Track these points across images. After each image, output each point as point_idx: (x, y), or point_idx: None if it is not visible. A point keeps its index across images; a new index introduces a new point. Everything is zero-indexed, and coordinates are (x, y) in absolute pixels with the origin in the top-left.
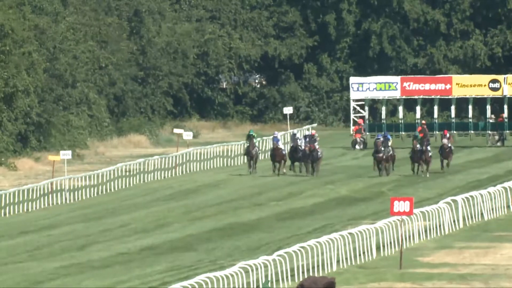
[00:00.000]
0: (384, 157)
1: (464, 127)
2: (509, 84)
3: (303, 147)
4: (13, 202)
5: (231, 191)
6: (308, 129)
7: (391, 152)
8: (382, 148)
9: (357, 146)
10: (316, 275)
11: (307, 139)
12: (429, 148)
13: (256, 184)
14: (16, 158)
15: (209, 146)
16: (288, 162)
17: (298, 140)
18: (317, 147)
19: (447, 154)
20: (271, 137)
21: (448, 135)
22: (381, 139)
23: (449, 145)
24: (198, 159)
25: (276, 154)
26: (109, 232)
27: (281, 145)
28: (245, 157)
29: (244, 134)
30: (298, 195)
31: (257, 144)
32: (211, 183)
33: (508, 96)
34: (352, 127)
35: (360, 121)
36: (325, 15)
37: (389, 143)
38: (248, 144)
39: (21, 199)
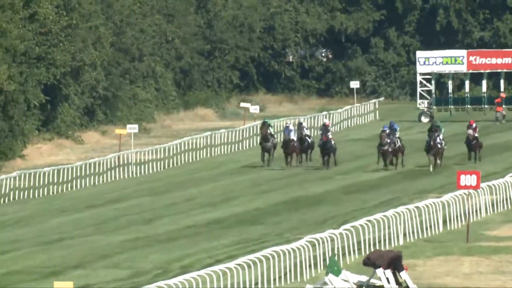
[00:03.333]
0: (390, 150)
1: None
2: None
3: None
4: (80, 175)
5: (298, 165)
6: (325, 117)
7: (398, 144)
8: (388, 141)
9: (423, 119)
10: (382, 248)
11: (322, 130)
12: (438, 140)
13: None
14: (83, 131)
15: (276, 120)
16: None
17: (304, 129)
18: (330, 137)
19: (474, 146)
20: (295, 123)
21: (474, 125)
22: (387, 130)
23: (476, 135)
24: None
25: (287, 146)
26: (176, 206)
27: (293, 137)
28: (260, 147)
29: (311, 108)
30: (364, 168)
31: (272, 131)
32: (277, 157)
33: None
34: (419, 100)
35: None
36: None
37: (397, 134)
38: (261, 134)
39: (87, 172)
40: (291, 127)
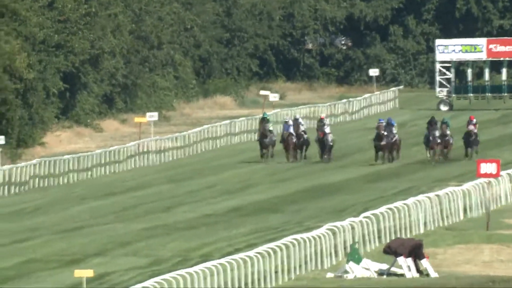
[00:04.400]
0: (385, 143)
1: None
2: None
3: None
4: (100, 163)
5: (317, 153)
6: (318, 112)
7: (396, 138)
8: (384, 133)
9: (442, 107)
10: (403, 237)
11: (318, 125)
12: (437, 133)
13: (342, 146)
14: (102, 119)
15: (295, 107)
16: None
17: (301, 125)
18: (326, 132)
19: (472, 143)
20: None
21: (474, 121)
22: (384, 123)
23: (475, 131)
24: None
25: (287, 141)
26: (195, 194)
27: (292, 131)
28: (258, 144)
29: (330, 96)
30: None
31: (271, 127)
32: (297, 145)
33: None
34: (438, 89)
35: None
36: None
37: (394, 130)
38: (260, 130)
39: (107, 160)
40: (290, 122)
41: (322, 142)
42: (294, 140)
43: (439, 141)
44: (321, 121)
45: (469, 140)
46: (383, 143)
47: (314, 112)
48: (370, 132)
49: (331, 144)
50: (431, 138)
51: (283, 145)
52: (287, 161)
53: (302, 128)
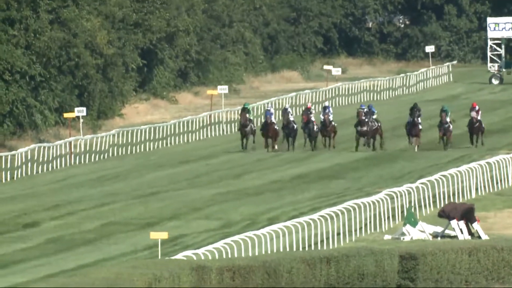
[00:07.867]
0: (368, 130)
1: None
2: None
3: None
4: (174, 133)
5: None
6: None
7: (377, 125)
8: (365, 119)
9: (493, 81)
10: (456, 201)
11: (326, 110)
12: (419, 120)
13: (398, 117)
14: (177, 92)
15: (356, 81)
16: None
17: (290, 115)
18: (330, 119)
19: (476, 130)
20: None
21: (477, 107)
22: (365, 109)
23: (479, 118)
24: (346, 93)
25: (268, 129)
26: (263, 162)
27: (273, 120)
28: (240, 133)
29: (389, 71)
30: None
31: (252, 117)
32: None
33: None
34: (490, 64)
35: None
36: None
37: (374, 116)
38: (240, 120)
39: (181, 130)
40: (272, 110)
41: (307, 128)
42: (276, 127)
43: (420, 127)
44: (308, 109)
45: (473, 127)
46: (364, 128)
47: (374, 86)
48: (426, 104)
49: (316, 131)
50: (413, 123)
51: (263, 133)
52: (266, 149)
53: (291, 117)
